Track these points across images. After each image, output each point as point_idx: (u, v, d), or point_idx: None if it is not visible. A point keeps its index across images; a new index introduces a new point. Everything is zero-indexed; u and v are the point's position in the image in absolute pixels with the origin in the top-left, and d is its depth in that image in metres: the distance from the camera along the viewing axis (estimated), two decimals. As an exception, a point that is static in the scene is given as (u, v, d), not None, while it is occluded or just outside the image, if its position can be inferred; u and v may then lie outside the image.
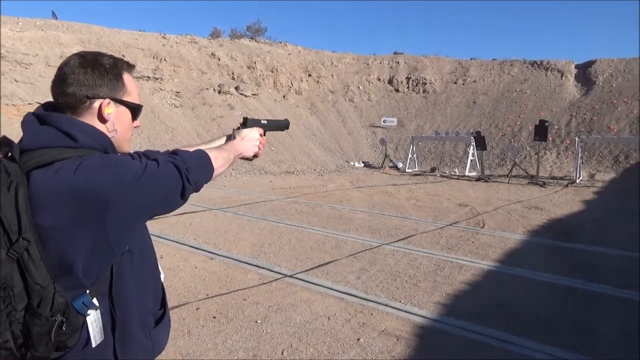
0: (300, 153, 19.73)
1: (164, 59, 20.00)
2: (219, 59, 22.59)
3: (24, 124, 1.22)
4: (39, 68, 15.56)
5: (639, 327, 4.18)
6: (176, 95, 19.00)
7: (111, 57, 1.33)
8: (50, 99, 1.30)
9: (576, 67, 23.57)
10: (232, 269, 5.75)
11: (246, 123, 1.77)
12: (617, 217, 9.56)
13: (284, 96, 23.58)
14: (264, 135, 1.81)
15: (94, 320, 1.21)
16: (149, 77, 18.63)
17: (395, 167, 19.81)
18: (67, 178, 1.13)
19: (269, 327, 4.10)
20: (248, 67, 23.24)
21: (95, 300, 1.20)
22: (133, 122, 1.40)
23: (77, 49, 17.12)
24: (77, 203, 1.13)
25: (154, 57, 19.78)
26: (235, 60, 23.21)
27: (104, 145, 1.26)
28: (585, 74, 22.63)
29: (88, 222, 1.15)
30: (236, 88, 21.29)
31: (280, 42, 28.38)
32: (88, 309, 1.18)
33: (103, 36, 19.62)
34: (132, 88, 1.36)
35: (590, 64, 22.94)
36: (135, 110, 1.38)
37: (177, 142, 16.64)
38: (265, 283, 5.23)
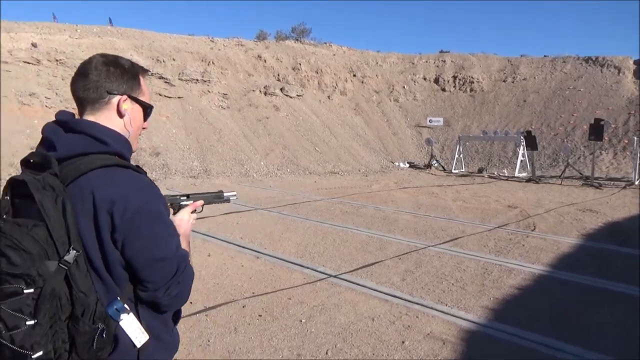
0: (344, 153, 19.73)
1: (212, 62, 20.49)
2: (265, 61, 22.93)
3: (51, 133, 1.29)
4: (95, 73, 16.28)
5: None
6: (223, 97, 19.42)
7: (129, 60, 1.44)
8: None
9: (635, 62, 22.35)
10: (278, 268, 5.83)
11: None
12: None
13: (328, 97, 23.65)
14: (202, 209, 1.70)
15: (129, 323, 1.25)
16: (197, 80, 19.15)
17: (442, 168, 19.47)
18: (106, 192, 1.22)
19: (314, 326, 4.13)
20: (293, 69, 23.46)
21: (126, 305, 1.25)
22: (144, 122, 1.49)
23: (131, 53, 17.86)
24: (111, 216, 1.21)
25: (202, 60, 20.30)
26: (281, 61, 23.48)
27: (128, 148, 1.38)
28: (645, 69, 21.45)
29: (116, 234, 1.22)
30: (281, 89, 21.55)
31: (325, 43, 28.48)
32: (120, 314, 1.23)
33: (155, 41, 20.33)
34: (146, 90, 1.46)
35: (651, 59, 21.73)
36: (147, 109, 1.47)
37: (224, 142, 17.01)
38: (309, 283, 5.27)
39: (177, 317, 1.51)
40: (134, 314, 1.28)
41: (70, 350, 1.17)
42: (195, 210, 1.65)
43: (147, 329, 1.30)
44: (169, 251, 1.29)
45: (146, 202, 1.26)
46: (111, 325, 1.21)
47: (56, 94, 14.97)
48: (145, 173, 1.41)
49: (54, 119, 1.35)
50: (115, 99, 1.35)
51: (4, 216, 1.18)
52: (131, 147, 1.40)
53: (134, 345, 1.26)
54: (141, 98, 1.43)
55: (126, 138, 1.38)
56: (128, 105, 1.38)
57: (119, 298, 1.25)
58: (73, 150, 1.26)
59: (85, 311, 1.16)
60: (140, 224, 1.24)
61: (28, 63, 15.42)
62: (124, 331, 1.24)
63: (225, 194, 1.82)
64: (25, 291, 1.09)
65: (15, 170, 11.24)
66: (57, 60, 15.95)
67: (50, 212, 1.14)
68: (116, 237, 1.22)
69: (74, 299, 1.15)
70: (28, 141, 12.91)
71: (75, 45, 17.05)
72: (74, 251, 1.15)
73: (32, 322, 1.09)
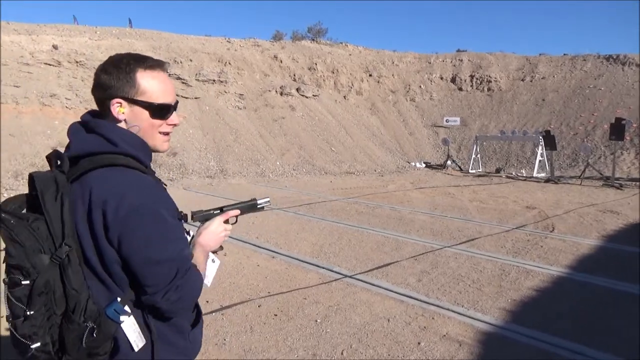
0: (360, 153, 19.69)
1: (229, 63, 20.61)
2: (281, 61, 22.99)
3: (71, 132, 1.33)
4: (114, 74, 16.53)
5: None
6: (240, 98, 19.53)
7: (132, 56, 1.37)
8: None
9: (658, 60, 21.88)
10: (293, 268, 5.84)
11: (192, 217, 1.58)
12: None
13: (344, 97, 23.62)
14: (235, 220, 1.65)
15: (129, 325, 1.24)
16: (214, 81, 19.28)
17: (458, 168, 19.30)
18: (102, 190, 1.22)
19: (329, 326, 4.13)
20: (309, 69, 23.48)
21: (127, 308, 1.24)
22: (162, 120, 1.39)
23: (148, 55, 18.05)
24: (104, 214, 1.20)
25: (219, 61, 20.44)
26: (297, 62, 23.52)
27: (142, 150, 1.34)
28: (668, 67, 20.98)
29: (110, 232, 1.21)
30: (297, 89, 21.58)
31: (341, 43, 28.45)
32: (120, 315, 1.22)
33: (172, 42, 20.53)
34: (149, 87, 1.34)
35: (674, 56, 21.23)
36: (152, 108, 1.36)
37: (240, 142, 17.11)
38: (325, 283, 5.28)
39: (197, 320, 1.49)
40: (137, 316, 1.27)
41: (61, 348, 1.20)
42: (229, 220, 1.60)
43: (157, 333, 1.30)
44: (166, 254, 1.24)
45: (143, 202, 1.23)
46: (106, 325, 1.20)
47: (76, 94, 15.21)
48: (154, 173, 1.41)
49: (79, 119, 1.39)
50: (109, 104, 1.32)
51: (24, 210, 1.23)
52: (147, 148, 1.38)
53: (132, 349, 1.25)
54: (140, 98, 1.33)
55: (141, 140, 1.35)
56: (125, 109, 1.33)
57: (119, 299, 1.23)
58: (84, 150, 1.28)
59: (76, 308, 1.17)
60: (135, 223, 1.21)
61: (49, 65, 15.69)
62: (124, 334, 1.24)
63: (259, 202, 1.72)
64: (23, 282, 1.15)
65: (36, 169, 11.44)
66: (77, 62, 16.21)
67: (49, 207, 1.18)
68: (110, 236, 1.21)
69: (67, 295, 1.17)
70: (49, 141, 13.14)
71: (94, 47, 17.31)
72: (67, 247, 1.17)
73: (30, 313, 1.15)
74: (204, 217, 1.56)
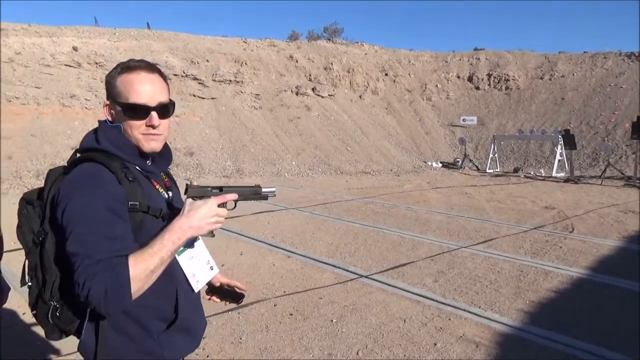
0: (376, 153, 19.62)
1: (245, 63, 20.71)
2: (297, 61, 23.02)
3: (88, 132, 1.46)
4: (132, 75, 16.72)
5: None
6: (256, 98, 19.61)
7: (125, 62, 1.43)
8: None
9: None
10: (309, 267, 5.85)
11: (186, 192, 1.40)
12: None
13: (360, 96, 23.56)
14: (235, 204, 1.45)
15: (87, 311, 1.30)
16: (230, 81, 19.40)
17: (475, 167, 19.12)
18: (63, 181, 1.33)
19: (344, 326, 4.12)
20: (325, 68, 23.48)
21: None
22: (135, 120, 1.38)
23: (166, 55, 18.25)
24: (52, 201, 1.31)
25: (235, 62, 20.55)
26: (312, 61, 23.53)
27: (122, 147, 1.40)
28: (693, 65, 20.49)
29: (56, 219, 1.29)
30: (313, 89, 21.59)
31: (357, 42, 28.36)
32: None
33: (189, 43, 20.71)
34: (122, 87, 1.37)
35: (699, 53, 20.74)
36: (123, 108, 1.38)
37: (256, 142, 17.19)
38: (340, 283, 5.27)
39: (173, 322, 1.41)
40: None
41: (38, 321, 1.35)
42: (226, 204, 1.40)
43: (117, 324, 1.31)
44: (72, 246, 1.19)
45: (75, 192, 1.25)
46: (70, 308, 1.29)
47: (95, 95, 15.45)
48: (155, 171, 1.50)
49: (98, 120, 1.52)
50: None
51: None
52: (130, 146, 1.40)
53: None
54: (116, 98, 1.38)
55: (124, 139, 1.40)
56: (112, 110, 1.42)
57: None
58: (82, 147, 1.42)
59: (46, 287, 1.29)
60: (61, 212, 1.25)
61: (69, 66, 15.96)
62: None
63: (263, 190, 1.52)
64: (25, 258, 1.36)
65: (57, 170, 11.64)
66: (96, 63, 16.46)
67: (44, 196, 1.35)
68: (57, 224, 1.28)
69: (44, 273, 1.31)
70: (69, 142, 13.38)
71: (113, 48, 17.54)
72: (42, 230, 1.32)
73: (30, 285, 1.34)
74: (197, 193, 1.39)
